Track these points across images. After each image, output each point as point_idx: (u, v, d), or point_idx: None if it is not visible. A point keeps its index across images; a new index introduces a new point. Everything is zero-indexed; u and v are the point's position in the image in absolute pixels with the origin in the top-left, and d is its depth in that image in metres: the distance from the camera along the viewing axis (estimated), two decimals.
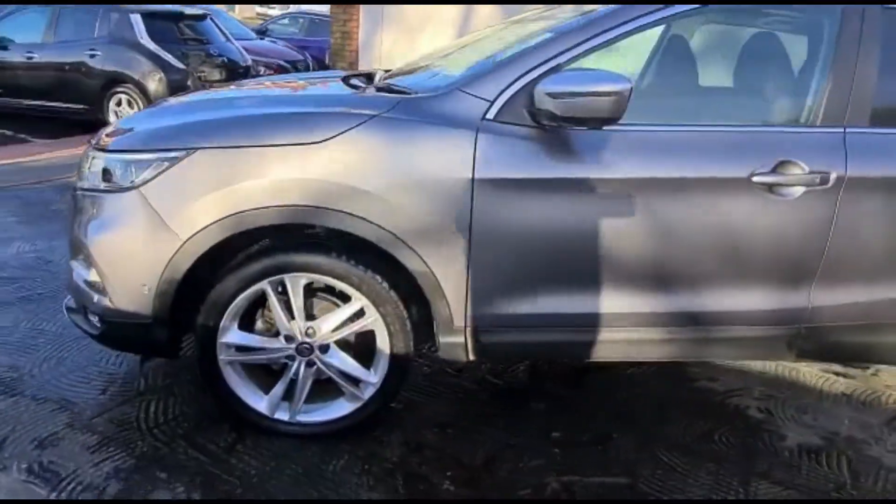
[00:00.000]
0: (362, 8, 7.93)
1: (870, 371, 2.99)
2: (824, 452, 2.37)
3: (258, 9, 20.93)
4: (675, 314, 2.16)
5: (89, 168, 2.12)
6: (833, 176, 2.05)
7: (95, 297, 2.08)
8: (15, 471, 1.96)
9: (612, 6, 2.07)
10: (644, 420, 2.47)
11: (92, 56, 7.25)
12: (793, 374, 2.89)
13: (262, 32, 12.32)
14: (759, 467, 2.25)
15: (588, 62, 2.05)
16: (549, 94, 1.88)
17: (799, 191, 2.05)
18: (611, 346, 2.19)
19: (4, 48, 7.74)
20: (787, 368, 2.92)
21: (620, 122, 1.93)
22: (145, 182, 1.97)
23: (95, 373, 2.49)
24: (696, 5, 2.07)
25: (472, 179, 1.95)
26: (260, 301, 2.11)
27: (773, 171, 2.03)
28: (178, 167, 1.95)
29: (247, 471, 2.05)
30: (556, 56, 2.01)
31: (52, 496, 1.87)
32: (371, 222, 1.95)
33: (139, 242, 1.99)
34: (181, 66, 7.24)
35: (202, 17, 7.97)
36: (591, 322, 2.13)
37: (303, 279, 2.04)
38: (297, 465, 2.09)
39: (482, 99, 1.99)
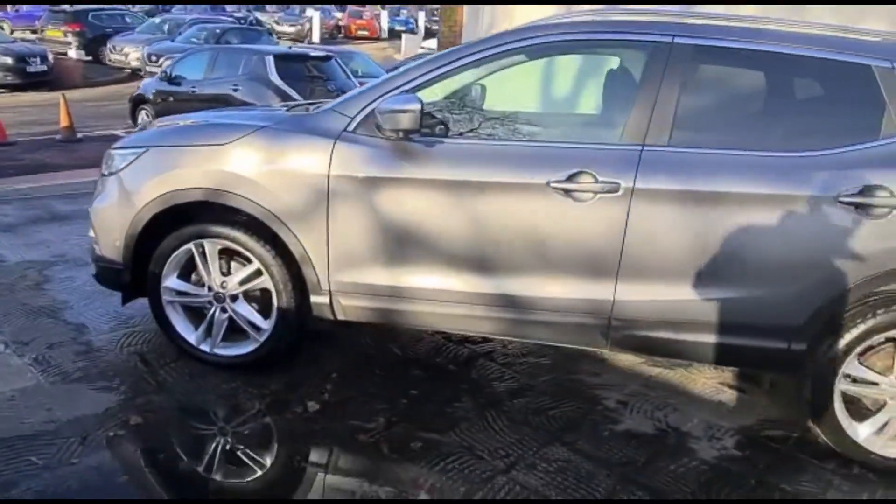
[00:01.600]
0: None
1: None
2: (642, 438, 2.63)
3: (419, 50, 22.81)
4: (494, 295, 2.60)
5: (107, 161, 3.06)
6: (623, 186, 2.40)
7: (95, 248, 3.00)
8: (26, 357, 2.92)
9: (452, 48, 2.61)
10: (499, 395, 2.88)
11: (235, 90, 8.80)
12: (683, 381, 3.10)
13: None
14: (567, 438, 2.59)
15: (434, 89, 2.61)
16: (379, 112, 2.48)
17: (591, 197, 2.42)
18: (441, 317, 2.68)
19: (178, 84, 9.61)
20: (683, 377, 3.13)
21: (449, 135, 2.48)
22: (122, 169, 2.86)
23: (112, 312, 3.42)
24: (521, 45, 2.55)
25: (328, 175, 2.59)
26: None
27: (568, 179, 2.43)
28: (139, 159, 2.82)
29: (167, 380, 2.83)
30: (405, 83, 2.60)
31: (38, 373, 2.78)
32: (256, 203, 2.66)
33: (115, 210, 2.87)
34: (301, 99, 8.54)
35: (327, 59, 9.31)
36: (422, 296, 2.64)
37: (218, 244, 2.79)
38: (203, 381, 2.82)
39: (346, 116, 2.63)
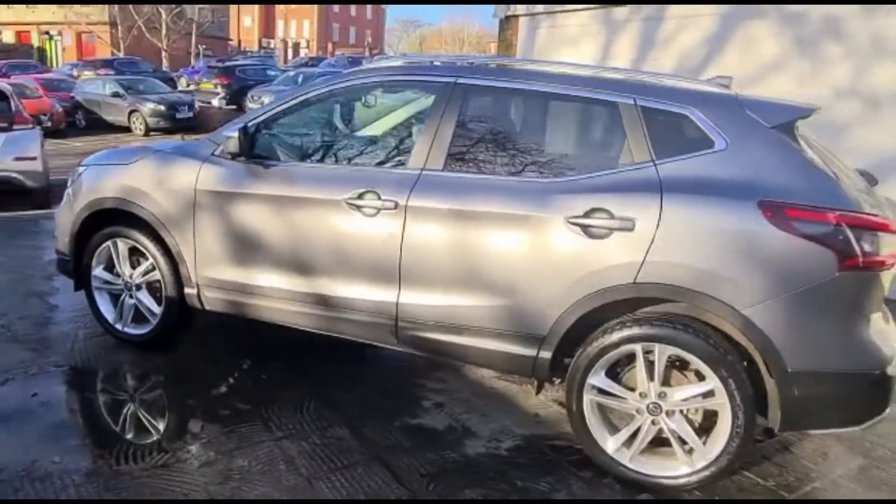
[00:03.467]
0: None
1: None
2: (428, 432, 2.94)
3: None
4: (311, 294, 3.05)
5: (71, 176, 3.92)
6: (399, 203, 2.79)
7: (56, 243, 3.85)
8: None
9: (292, 92, 3.18)
10: (333, 388, 3.27)
11: None
12: (518, 396, 3.33)
13: None
14: (357, 423, 2.95)
15: (281, 121, 3.19)
16: (224, 137, 3.09)
17: (375, 212, 2.83)
18: (274, 311, 3.17)
19: None
20: (522, 392, 3.34)
21: (280, 158, 3.03)
22: (74, 182, 3.70)
23: (81, 295, 4.25)
24: (345, 86, 3.07)
25: (194, 190, 3.22)
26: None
27: (359, 197, 2.86)
28: (83, 174, 3.64)
29: (83, 348, 3.57)
30: (256, 117, 3.19)
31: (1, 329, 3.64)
32: (148, 210, 3.34)
33: (66, 214, 3.69)
34: None
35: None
36: (259, 292, 3.16)
37: (127, 243, 3.51)
38: (109, 352, 3.53)
39: (215, 143, 3.26)
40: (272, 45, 54.44)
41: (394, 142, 3.11)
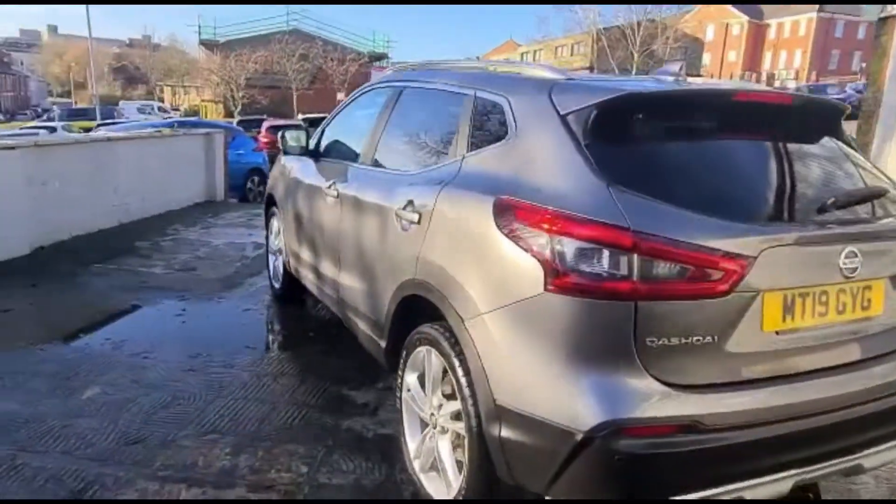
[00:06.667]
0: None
1: None
2: (346, 399, 3.24)
3: None
4: (314, 267, 3.67)
5: None
6: (339, 191, 3.20)
7: None
8: (221, 276, 5.51)
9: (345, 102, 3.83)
10: (338, 352, 3.78)
11: None
12: None
13: None
14: (305, 378, 3.44)
15: (335, 127, 3.91)
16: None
17: (333, 199, 3.29)
18: (305, 279, 3.88)
19: None
20: None
21: (319, 156, 3.82)
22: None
23: None
24: (359, 94, 3.58)
25: (289, 179, 4.20)
26: None
27: (329, 187, 3.37)
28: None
29: (246, 293, 4.93)
30: (325, 124, 3.98)
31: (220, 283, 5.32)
32: (277, 192, 4.47)
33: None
34: None
35: None
36: (299, 261, 3.93)
37: (275, 219, 4.71)
38: (256, 296, 4.81)
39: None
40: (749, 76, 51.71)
41: (356, 141, 3.46)
